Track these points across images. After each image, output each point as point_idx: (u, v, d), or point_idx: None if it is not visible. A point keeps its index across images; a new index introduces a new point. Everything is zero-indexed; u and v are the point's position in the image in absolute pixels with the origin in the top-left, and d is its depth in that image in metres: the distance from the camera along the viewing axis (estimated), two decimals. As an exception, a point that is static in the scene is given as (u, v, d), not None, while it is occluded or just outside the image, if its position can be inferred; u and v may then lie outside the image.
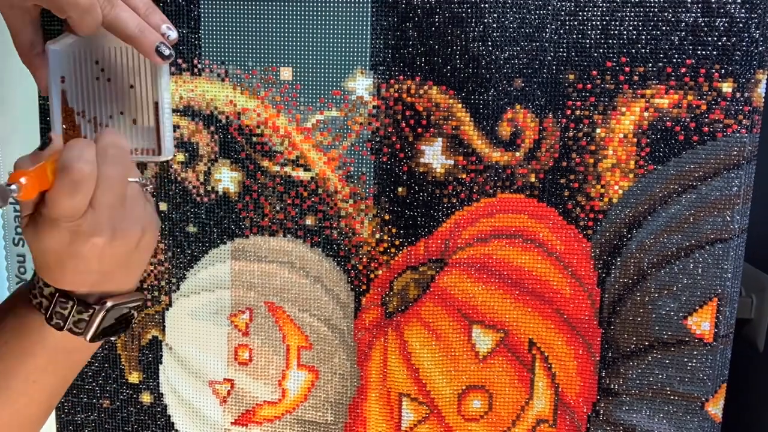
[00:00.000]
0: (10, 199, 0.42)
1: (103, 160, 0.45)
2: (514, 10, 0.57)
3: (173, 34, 0.49)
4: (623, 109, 0.57)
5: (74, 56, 0.53)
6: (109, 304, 0.49)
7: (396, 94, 0.60)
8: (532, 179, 0.60)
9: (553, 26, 0.57)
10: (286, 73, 0.61)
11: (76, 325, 0.48)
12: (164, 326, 0.67)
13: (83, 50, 0.53)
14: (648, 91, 0.57)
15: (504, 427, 0.64)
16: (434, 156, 0.60)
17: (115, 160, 0.46)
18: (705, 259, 0.58)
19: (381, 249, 0.62)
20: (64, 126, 0.53)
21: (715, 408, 0.61)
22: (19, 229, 0.69)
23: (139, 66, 0.52)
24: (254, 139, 0.63)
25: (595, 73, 0.57)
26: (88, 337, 0.48)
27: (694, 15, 0.55)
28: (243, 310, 0.66)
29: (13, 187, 0.42)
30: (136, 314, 0.52)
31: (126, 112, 0.55)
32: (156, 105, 0.53)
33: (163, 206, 0.65)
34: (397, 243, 0.62)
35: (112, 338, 0.51)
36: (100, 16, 0.46)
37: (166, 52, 0.48)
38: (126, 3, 0.47)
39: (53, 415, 0.71)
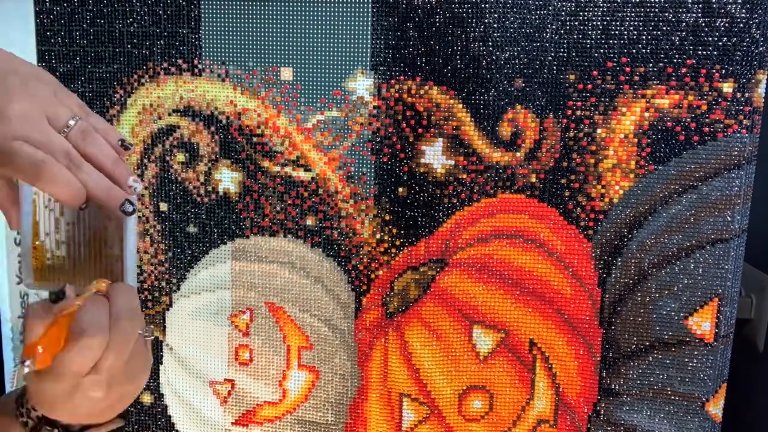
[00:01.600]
0: (27, 370, 0.44)
1: (115, 326, 0.46)
2: (515, 10, 0.57)
3: (139, 187, 0.52)
4: (624, 110, 0.57)
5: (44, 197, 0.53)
6: None
7: (396, 95, 0.60)
8: (533, 179, 0.60)
9: (554, 26, 0.57)
10: (286, 74, 0.61)
11: None
12: (165, 326, 0.67)
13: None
14: (649, 92, 0.57)
15: (505, 427, 0.64)
16: (435, 156, 0.60)
17: (127, 329, 0.47)
18: (705, 259, 0.58)
19: (381, 249, 0.62)
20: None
21: (716, 408, 0.61)
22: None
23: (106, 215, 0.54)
24: (255, 139, 0.62)
25: (595, 73, 0.57)
26: None
27: (694, 15, 0.55)
28: (243, 311, 0.66)
29: (28, 363, 0.43)
30: None
31: (94, 249, 0.56)
32: (121, 255, 0.55)
33: (163, 206, 0.65)
34: (397, 243, 0.62)
35: None
36: (76, 185, 0.47)
37: (130, 209, 0.50)
38: (92, 160, 0.49)
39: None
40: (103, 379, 0.46)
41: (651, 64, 0.56)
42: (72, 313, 0.46)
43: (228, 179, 0.64)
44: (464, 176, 0.60)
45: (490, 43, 0.57)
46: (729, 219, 0.58)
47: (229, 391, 0.67)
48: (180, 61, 0.62)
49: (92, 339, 0.44)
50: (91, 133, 0.48)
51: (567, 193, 0.60)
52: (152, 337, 0.54)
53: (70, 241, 0.54)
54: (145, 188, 0.65)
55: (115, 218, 0.52)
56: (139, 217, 0.65)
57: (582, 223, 0.60)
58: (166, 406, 0.69)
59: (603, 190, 0.59)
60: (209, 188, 0.64)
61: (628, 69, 0.57)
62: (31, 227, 0.52)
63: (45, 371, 0.45)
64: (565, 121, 0.58)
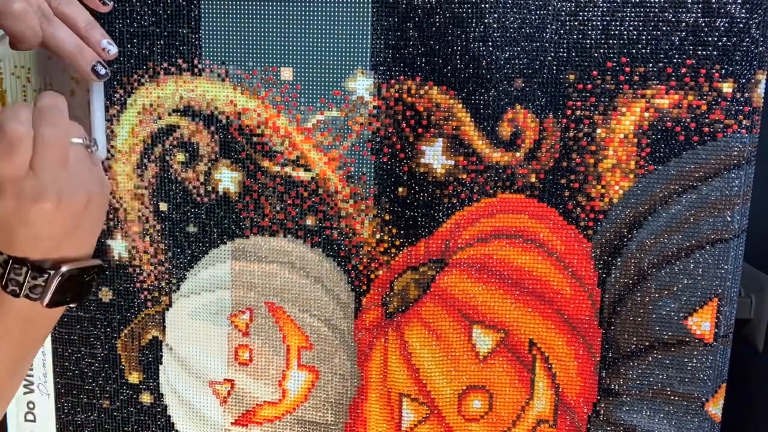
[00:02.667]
0: None
1: (40, 121, 0.45)
2: (515, 10, 0.57)
3: (113, 49, 0.49)
4: (623, 110, 0.57)
5: (10, 58, 0.52)
6: (64, 268, 0.48)
7: (396, 95, 0.60)
8: (533, 179, 0.60)
9: (554, 26, 0.57)
10: (286, 73, 0.61)
11: (32, 291, 0.47)
12: (164, 326, 0.67)
13: (20, 53, 0.51)
14: (648, 92, 0.57)
15: (504, 427, 0.64)
16: (435, 156, 0.60)
17: (52, 121, 0.46)
18: (705, 260, 0.58)
19: (381, 249, 0.62)
20: None
21: (715, 408, 0.61)
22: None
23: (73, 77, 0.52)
24: (254, 139, 0.62)
25: (595, 73, 0.57)
26: (45, 302, 0.48)
27: (694, 15, 0.55)
28: (243, 311, 0.66)
29: None
30: (94, 280, 0.52)
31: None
32: (89, 116, 0.52)
33: (163, 206, 0.65)
34: (397, 243, 0.62)
35: (72, 305, 0.50)
36: (39, 32, 0.45)
37: (102, 71, 0.48)
38: (65, 19, 0.47)
39: (53, 415, 0.71)
40: (44, 181, 0.44)
41: (651, 64, 0.56)
42: None
43: (228, 179, 0.64)
44: (464, 176, 0.60)
45: (490, 43, 0.57)
46: (729, 219, 0.58)
47: (229, 391, 0.67)
48: (180, 61, 0.62)
49: (12, 132, 0.43)
50: None
51: (567, 193, 0.60)
52: (96, 148, 0.51)
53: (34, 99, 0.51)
54: (145, 188, 0.65)
55: (83, 82, 0.50)
56: (138, 216, 0.65)
57: (582, 223, 0.60)
58: (166, 406, 0.69)
59: (603, 190, 0.59)
60: (209, 188, 0.64)
61: (627, 69, 0.57)
62: None
63: None
64: (564, 121, 0.58)
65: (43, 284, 0.47)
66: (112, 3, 0.54)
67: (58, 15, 0.47)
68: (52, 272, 0.48)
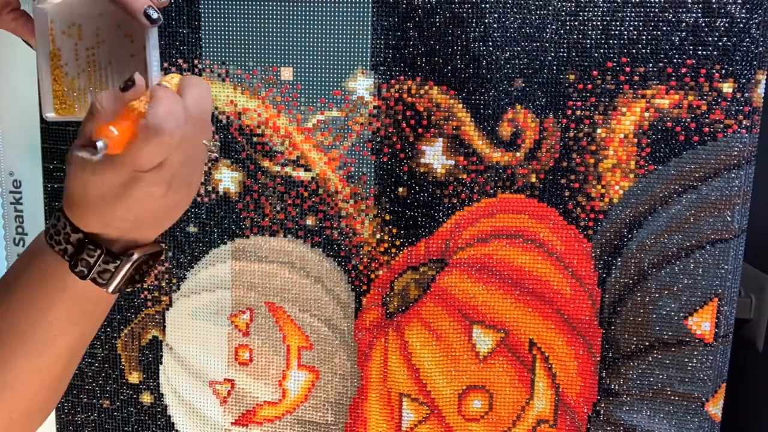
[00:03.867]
0: (99, 154, 0.40)
1: (188, 122, 0.43)
2: (515, 10, 0.57)
3: None
4: (624, 110, 0.57)
5: (61, 16, 0.50)
6: (135, 255, 0.47)
7: (397, 95, 0.60)
8: (533, 179, 0.60)
9: (554, 26, 0.57)
10: (286, 74, 0.61)
11: (100, 276, 0.46)
12: (164, 326, 0.67)
13: (69, 11, 0.50)
14: (648, 92, 0.57)
15: (504, 427, 0.64)
16: (435, 156, 0.60)
17: (198, 124, 0.44)
18: (705, 260, 0.58)
19: (381, 249, 0.62)
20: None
21: (715, 408, 0.61)
22: (19, 229, 0.68)
23: (129, 30, 0.50)
24: (255, 139, 0.62)
25: (595, 73, 0.57)
26: (111, 288, 0.47)
27: (694, 15, 0.55)
28: (243, 311, 0.66)
29: (101, 144, 0.39)
30: (155, 266, 0.51)
31: (116, 75, 0.52)
32: (144, 67, 0.51)
33: (163, 206, 0.65)
34: (397, 243, 0.62)
35: (128, 290, 0.49)
36: None
37: (154, 15, 0.46)
38: None
39: (53, 415, 0.71)
40: (165, 174, 0.43)
41: (651, 64, 0.56)
42: (143, 103, 0.42)
43: (228, 179, 0.64)
44: (464, 176, 0.60)
45: (490, 43, 0.57)
46: (729, 219, 0.58)
47: (229, 391, 0.67)
48: (180, 61, 0.62)
49: (171, 134, 0.42)
50: None
51: (567, 193, 0.60)
52: (216, 153, 0.50)
53: (90, 68, 0.51)
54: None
55: (137, 34, 0.48)
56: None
57: (582, 223, 0.60)
58: (166, 406, 0.69)
59: (603, 190, 0.59)
60: (209, 188, 0.64)
61: (628, 69, 0.57)
62: (49, 56, 0.49)
63: (102, 160, 0.41)
64: (565, 121, 0.58)
65: (112, 270, 0.46)
66: None
67: None
68: (123, 258, 0.47)
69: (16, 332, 0.46)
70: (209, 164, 0.64)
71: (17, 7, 0.48)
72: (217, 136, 0.49)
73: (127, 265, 0.47)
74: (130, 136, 0.42)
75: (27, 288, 0.47)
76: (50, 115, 0.50)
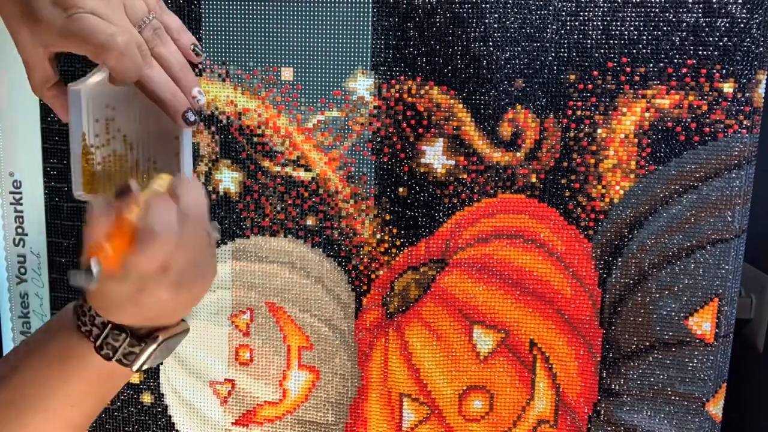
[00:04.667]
0: (94, 282, 0.41)
1: (184, 224, 0.44)
2: (515, 10, 0.57)
3: (203, 100, 0.48)
4: (624, 110, 0.57)
5: (95, 99, 0.50)
6: (161, 338, 0.48)
7: (397, 95, 0.60)
8: (533, 179, 0.60)
9: (554, 26, 0.57)
10: (287, 74, 0.61)
11: (125, 357, 0.47)
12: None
13: (104, 94, 0.50)
14: (649, 92, 0.57)
15: (505, 427, 0.64)
16: (435, 156, 0.60)
17: (196, 225, 0.45)
18: (706, 260, 0.58)
19: (382, 249, 0.62)
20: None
21: (716, 408, 0.61)
22: (19, 229, 0.68)
23: (162, 120, 0.51)
24: (255, 139, 0.62)
25: (596, 73, 0.57)
26: (135, 368, 0.48)
27: (695, 15, 0.55)
28: (244, 311, 0.66)
29: (95, 263, 0.41)
30: (179, 342, 0.51)
31: (144, 161, 0.53)
32: (172, 159, 0.51)
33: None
34: (398, 243, 0.62)
35: (152, 366, 0.50)
36: (142, 65, 0.44)
37: (192, 118, 0.46)
38: (161, 61, 0.46)
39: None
40: (171, 279, 0.44)
41: (651, 65, 0.56)
42: (137, 211, 0.43)
43: (228, 179, 0.64)
44: (465, 176, 0.60)
45: (491, 43, 0.57)
46: (729, 219, 0.58)
47: (230, 391, 0.67)
48: (180, 61, 0.62)
49: (162, 238, 0.42)
50: (163, 34, 0.46)
51: (567, 193, 0.60)
52: (218, 237, 0.50)
53: (121, 150, 0.51)
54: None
55: (171, 126, 0.49)
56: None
57: (582, 224, 0.60)
58: (167, 406, 0.69)
59: (603, 190, 0.59)
60: (210, 188, 0.64)
61: (628, 69, 0.57)
62: (80, 135, 0.49)
63: (110, 272, 0.42)
64: (565, 121, 0.58)
65: (137, 351, 0.47)
66: (204, 56, 0.54)
67: (155, 56, 0.45)
68: (148, 341, 0.47)
69: (33, 401, 0.47)
70: (210, 165, 0.64)
71: (57, 82, 0.48)
72: (218, 226, 0.49)
73: (152, 347, 0.48)
74: (125, 248, 0.42)
75: (50, 359, 0.48)
76: (79, 194, 0.50)
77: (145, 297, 0.44)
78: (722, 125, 0.56)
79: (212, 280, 0.49)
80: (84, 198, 0.51)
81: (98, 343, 0.47)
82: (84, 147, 0.50)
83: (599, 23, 0.56)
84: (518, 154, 0.60)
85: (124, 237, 0.42)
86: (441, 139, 0.60)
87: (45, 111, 0.65)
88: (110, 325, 0.46)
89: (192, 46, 0.48)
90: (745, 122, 0.56)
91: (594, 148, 0.59)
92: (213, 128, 0.63)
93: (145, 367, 0.48)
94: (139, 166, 0.52)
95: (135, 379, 0.69)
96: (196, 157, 0.64)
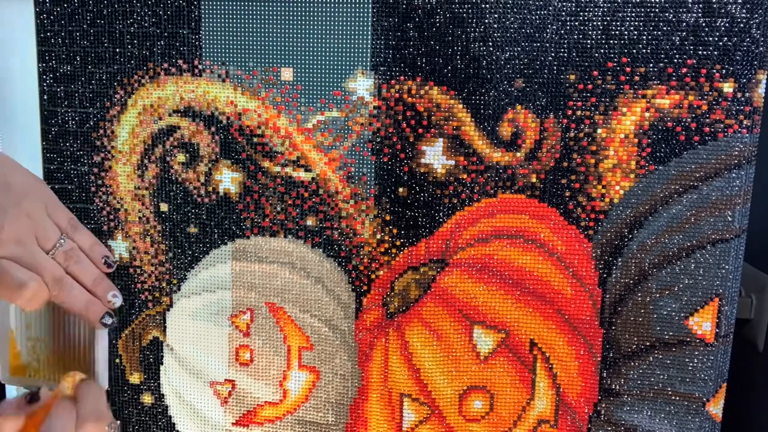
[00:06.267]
0: None
1: (81, 429, 0.48)
2: (515, 10, 0.57)
3: (118, 302, 0.56)
4: (624, 110, 0.57)
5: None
6: None
7: (397, 95, 0.60)
8: (533, 179, 0.60)
9: (554, 26, 0.57)
10: (286, 74, 0.61)
11: None
12: (165, 327, 0.67)
13: None
14: (649, 92, 0.57)
15: (505, 427, 0.64)
16: (435, 156, 0.60)
17: (91, 429, 0.49)
18: (706, 260, 0.58)
19: (382, 249, 0.62)
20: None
21: (716, 408, 0.61)
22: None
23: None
24: (255, 139, 0.62)
25: (596, 73, 0.57)
26: None
27: (695, 15, 0.55)
28: (244, 311, 0.66)
29: None
30: None
31: (65, 355, 0.59)
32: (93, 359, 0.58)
33: (164, 207, 0.65)
34: (398, 243, 0.62)
35: None
36: (46, 297, 0.49)
37: (108, 321, 0.54)
38: (75, 276, 0.51)
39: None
40: None
41: (651, 64, 0.56)
42: (41, 414, 0.48)
43: (228, 180, 0.64)
44: (465, 176, 0.60)
45: (491, 44, 0.57)
46: (729, 219, 0.58)
47: (230, 391, 0.67)
48: (180, 62, 0.62)
49: None
50: (76, 253, 0.52)
51: (567, 194, 0.60)
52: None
53: (44, 339, 0.57)
54: (146, 189, 0.65)
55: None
56: (139, 217, 0.65)
57: (582, 224, 0.60)
58: (167, 407, 0.69)
59: (603, 190, 0.59)
60: (210, 189, 0.64)
61: (628, 69, 0.57)
62: (8, 324, 0.55)
63: None
64: (565, 121, 0.58)
65: None
66: (115, 265, 0.61)
67: (69, 273, 0.52)
68: None
69: None
70: (209, 165, 0.64)
71: None
72: (117, 423, 0.55)
73: None
74: None
75: None
76: (6, 377, 0.57)
77: None
78: (722, 125, 0.56)
79: None
80: (9, 383, 0.57)
81: None
82: (10, 335, 0.55)
83: (599, 23, 0.56)
84: (518, 154, 0.60)
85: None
86: (441, 139, 0.60)
87: (45, 115, 0.65)
88: None
89: (104, 259, 0.55)
90: (745, 122, 0.56)
91: (594, 148, 0.59)
92: (213, 128, 0.63)
93: None
94: (59, 358, 0.58)
95: (135, 379, 0.69)
96: (195, 156, 0.64)
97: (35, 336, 0.58)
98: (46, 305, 0.53)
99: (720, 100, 0.56)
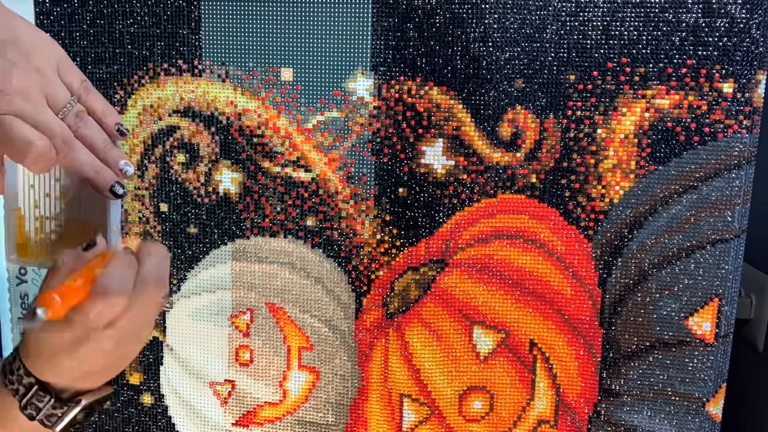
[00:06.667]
0: (40, 320, 0.42)
1: (141, 289, 0.46)
2: (515, 11, 0.57)
3: (130, 170, 0.51)
4: (624, 110, 0.57)
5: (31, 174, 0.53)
6: (84, 402, 0.50)
7: (397, 95, 0.60)
8: (533, 180, 0.60)
9: (554, 27, 0.57)
10: (286, 74, 0.61)
11: (47, 419, 0.49)
12: (165, 327, 0.67)
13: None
14: (649, 92, 0.57)
15: (505, 427, 0.64)
16: (435, 157, 0.60)
17: (153, 292, 0.47)
18: (706, 260, 0.58)
19: (382, 250, 0.62)
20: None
21: (716, 408, 0.61)
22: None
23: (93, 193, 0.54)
24: (255, 140, 0.62)
25: (595, 73, 0.57)
26: (57, 429, 0.49)
27: (694, 15, 0.55)
28: (244, 311, 0.66)
29: (40, 312, 0.42)
30: (102, 406, 0.53)
31: (76, 231, 0.55)
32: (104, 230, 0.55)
33: (163, 207, 0.65)
34: (398, 244, 0.62)
35: (72, 429, 0.52)
36: (54, 159, 0.46)
37: (120, 191, 0.49)
38: (84, 141, 0.49)
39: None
40: (115, 335, 0.45)
41: (651, 65, 0.56)
42: (99, 265, 0.45)
43: (228, 180, 0.64)
44: (464, 176, 0.60)
45: (491, 44, 0.57)
46: (729, 219, 0.58)
47: (230, 391, 0.67)
48: (180, 62, 0.62)
49: (116, 299, 0.44)
50: (86, 116, 0.48)
51: (567, 194, 0.60)
52: (170, 309, 0.52)
53: (52, 217, 0.53)
54: (146, 189, 0.65)
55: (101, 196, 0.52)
56: (139, 218, 0.65)
57: (582, 224, 0.60)
58: (167, 407, 0.69)
59: (603, 191, 0.59)
60: (209, 189, 0.64)
61: (628, 69, 0.57)
62: (15, 201, 0.52)
63: (55, 319, 0.44)
64: (565, 121, 0.58)
65: (59, 414, 0.48)
66: (129, 134, 0.57)
67: (78, 136, 0.48)
68: (71, 404, 0.49)
69: None
70: (209, 165, 0.64)
71: None
72: (173, 299, 0.52)
73: (75, 411, 0.50)
74: (79, 298, 0.44)
75: None
76: (13, 257, 0.53)
77: (82, 349, 0.46)
78: (722, 125, 0.56)
79: (146, 342, 0.51)
80: (17, 263, 0.54)
81: (23, 402, 0.48)
82: (18, 215, 0.53)
83: (599, 23, 0.56)
84: (518, 155, 0.60)
85: (79, 288, 0.44)
86: (441, 140, 0.60)
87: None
88: (36, 386, 0.48)
89: (116, 126, 0.52)
90: (744, 122, 0.56)
91: (594, 148, 0.59)
92: (213, 129, 0.63)
93: (66, 429, 0.50)
94: (69, 237, 0.55)
95: (135, 380, 0.69)
96: (195, 157, 0.64)
97: (43, 215, 0.54)
98: (54, 180, 0.51)
99: (720, 100, 0.56)
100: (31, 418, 0.48)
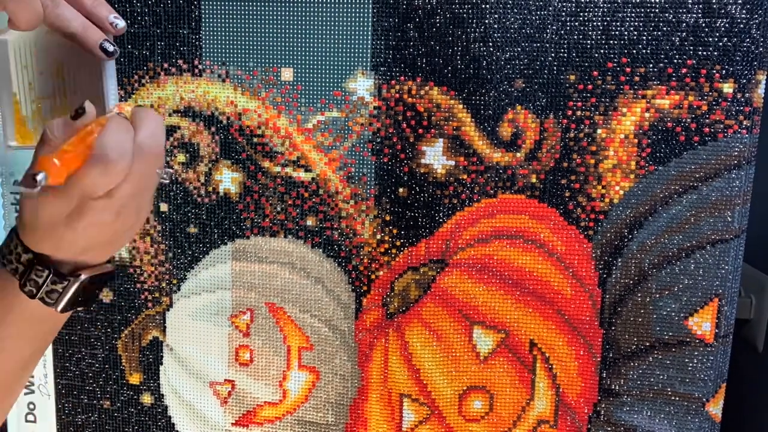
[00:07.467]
0: (40, 184, 0.41)
1: (139, 156, 0.44)
2: (515, 11, 0.57)
3: (120, 23, 0.48)
4: (624, 110, 0.57)
5: (21, 46, 0.51)
6: (83, 277, 0.48)
7: (397, 95, 0.60)
8: (533, 180, 0.60)
9: (554, 27, 0.57)
10: (286, 74, 0.61)
11: (48, 296, 0.47)
12: (165, 327, 0.67)
13: (29, 41, 0.51)
14: (649, 92, 0.57)
15: (505, 427, 0.64)
16: (435, 157, 0.60)
17: (150, 158, 0.45)
18: (706, 260, 0.59)
19: (382, 250, 0.62)
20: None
21: (716, 408, 0.61)
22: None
23: (85, 60, 0.51)
24: (255, 139, 0.62)
25: (596, 73, 0.57)
26: (59, 308, 0.48)
27: (695, 16, 0.55)
28: (244, 311, 0.66)
29: (41, 176, 0.40)
30: (105, 286, 0.51)
31: (75, 103, 0.53)
32: (101, 99, 0.52)
33: (164, 207, 0.65)
34: (398, 244, 0.62)
35: (79, 309, 0.50)
36: (41, 11, 0.45)
37: (111, 48, 0.47)
38: None
39: (54, 416, 0.71)
40: (114, 204, 0.44)
41: (651, 65, 0.56)
42: (93, 132, 0.43)
43: (228, 180, 0.64)
44: (465, 177, 0.60)
45: (491, 44, 0.57)
46: (729, 219, 0.58)
47: (230, 391, 0.67)
48: (180, 62, 0.62)
49: (115, 164, 0.42)
50: None
51: (567, 194, 0.60)
52: (168, 181, 0.50)
53: (51, 96, 0.52)
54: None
55: (94, 63, 0.49)
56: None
57: (582, 224, 0.60)
58: (167, 407, 0.69)
59: (603, 191, 0.59)
60: (210, 189, 0.64)
61: (628, 69, 0.57)
62: (9, 86, 0.50)
63: (52, 189, 0.42)
64: (565, 121, 0.58)
65: (60, 290, 0.47)
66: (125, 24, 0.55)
67: None
68: (71, 279, 0.48)
69: None
70: (210, 165, 0.64)
71: None
72: (171, 170, 0.50)
73: (75, 286, 0.48)
74: (77, 164, 0.42)
75: None
76: (12, 143, 0.51)
77: (81, 220, 0.44)
78: (722, 125, 0.56)
79: (146, 217, 0.49)
80: (17, 148, 0.51)
81: (22, 279, 0.46)
82: (13, 95, 0.50)
83: (599, 23, 0.56)
84: (518, 155, 0.60)
85: (76, 155, 0.42)
86: (441, 140, 0.60)
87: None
88: (35, 261, 0.46)
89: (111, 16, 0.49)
90: (744, 122, 0.56)
91: (594, 148, 0.59)
92: (213, 128, 0.63)
93: (70, 308, 0.48)
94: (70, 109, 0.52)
95: (135, 380, 0.69)
96: (195, 156, 0.64)
97: (39, 96, 0.53)
98: (45, 57, 0.49)
99: (720, 100, 0.56)
100: (31, 295, 0.47)
